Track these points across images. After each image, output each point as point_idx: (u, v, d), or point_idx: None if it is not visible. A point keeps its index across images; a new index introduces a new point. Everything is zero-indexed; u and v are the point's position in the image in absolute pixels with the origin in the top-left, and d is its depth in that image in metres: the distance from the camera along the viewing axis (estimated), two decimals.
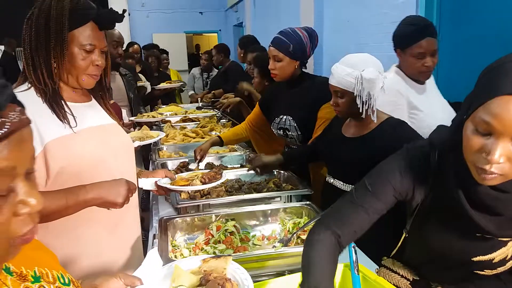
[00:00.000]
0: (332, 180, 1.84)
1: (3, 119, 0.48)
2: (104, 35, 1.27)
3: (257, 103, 2.76)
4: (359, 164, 1.24)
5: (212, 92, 4.90)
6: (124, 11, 1.32)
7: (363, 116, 1.66)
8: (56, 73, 1.21)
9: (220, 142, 2.56)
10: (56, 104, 1.19)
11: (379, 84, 1.64)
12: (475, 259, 1.02)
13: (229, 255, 1.04)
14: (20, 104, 0.53)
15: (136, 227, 1.49)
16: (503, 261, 1.01)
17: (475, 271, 1.05)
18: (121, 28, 3.66)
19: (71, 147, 1.20)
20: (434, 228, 1.07)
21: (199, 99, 5.14)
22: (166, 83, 4.82)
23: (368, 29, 3.69)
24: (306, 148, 2.22)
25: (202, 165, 2.47)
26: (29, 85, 1.21)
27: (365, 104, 1.64)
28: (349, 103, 1.70)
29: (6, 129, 0.49)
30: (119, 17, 1.27)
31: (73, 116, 1.21)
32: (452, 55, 2.97)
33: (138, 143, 2.10)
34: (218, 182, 1.59)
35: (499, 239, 0.99)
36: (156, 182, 1.52)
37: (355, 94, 1.64)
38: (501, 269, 1.02)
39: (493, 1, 2.53)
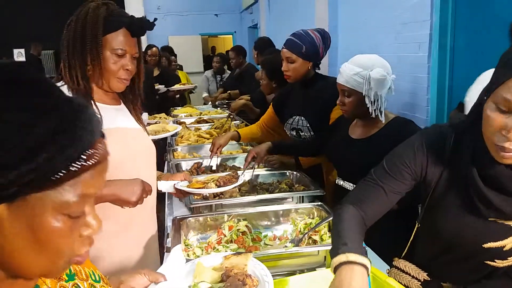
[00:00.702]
0: (342, 183, 1.85)
1: (93, 150, 0.55)
2: (136, 42, 1.33)
3: (271, 103, 2.78)
4: (368, 166, 1.25)
5: (228, 92, 4.93)
6: (155, 19, 1.40)
7: (373, 116, 1.67)
8: (90, 74, 1.28)
9: (237, 137, 2.61)
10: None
11: (387, 85, 1.65)
12: (486, 245, 1.02)
13: (250, 252, 1.06)
14: (104, 136, 0.60)
15: (152, 227, 1.52)
16: None
17: (486, 262, 1.05)
18: None
19: None
20: (447, 213, 1.08)
21: (213, 100, 5.19)
22: (180, 84, 4.87)
23: (381, 31, 3.68)
24: (299, 141, 2.26)
25: (214, 162, 2.50)
26: (63, 83, 1.28)
27: (373, 104, 1.65)
28: (355, 103, 1.71)
29: (95, 160, 0.55)
30: (150, 25, 1.35)
31: (100, 115, 1.24)
32: (468, 55, 2.94)
33: (151, 137, 2.13)
34: (235, 186, 1.61)
35: (511, 225, 0.99)
36: (175, 185, 1.56)
37: (363, 94, 1.65)
38: (511, 260, 1.02)
39: (508, 5, 2.50)
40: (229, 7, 11.48)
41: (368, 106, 1.66)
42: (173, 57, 6.14)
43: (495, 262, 1.04)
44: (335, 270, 0.93)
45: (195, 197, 1.90)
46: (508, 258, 1.02)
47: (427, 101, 3.08)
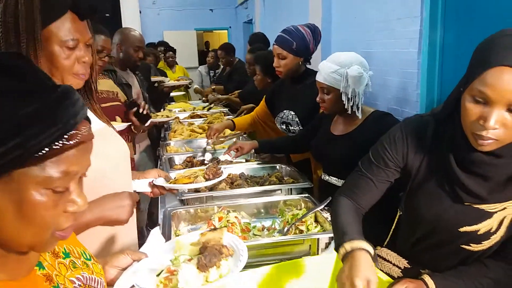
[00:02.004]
0: (327, 178, 1.90)
1: (76, 131, 0.60)
2: (86, 26, 1.10)
3: (264, 97, 2.83)
4: (351, 160, 1.30)
5: (212, 87, 4.98)
6: None
7: (349, 112, 1.72)
8: None
9: (232, 126, 2.72)
10: None
11: (364, 82, 1.70)
12: (462, 229, 1.07)
13: (224, 227, 1.12)
14: (89, 120, 0.65)
15: (132, 235, 1.39)
16: (487, 234, 1.05)
17: (462, 246, 1.10)
18: (132, 26, 3.71)
19: None
20: (427, 198, 1.13)
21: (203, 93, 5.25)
22: (175, 80, 4.89)
23: (374, 26, 3.71)
24: (283, 139, 2.33)
25: (207, 159, 2.54)
26: None
27: (350, 101, 1.70)
28: (334, 100, 1.76)
29: (77, 140, 0.60)
30: (100, 2, 1.14)
31: None
32: (457, 51, 2.98)
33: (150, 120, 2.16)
34: (221, 179, 1.65)
35: (486, 209, 1.04)
36: (150, 183, 1.45)
37: (341, 91, 1.70)
38: (486, 244, 1.07)
39: (496, 1, 2.54)
40: (224, 2, 11.47)
41: (344, 102, 1.71)
42: (170, 52, 6.13)
43: (470, 246, 1.09)
44: (343, 261, 1.00)
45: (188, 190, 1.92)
46: (483, 242, 1.07)
47: (417, 96, 3.12)
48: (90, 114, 1.21)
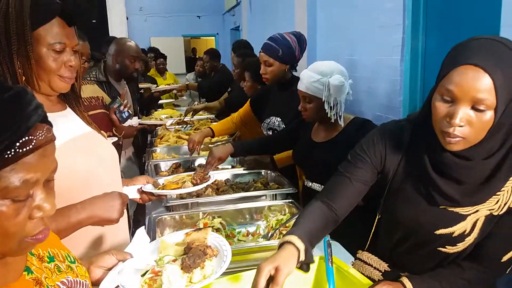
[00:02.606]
0: (310, 184, 1.93)
1: (31, 137, 0.57)
2: (74, 32, 1.15)
3: (248, 100, 2.86)
4: (333, 167, 1.33)
5: (186, 84, 4.97)
6: (91, 1, 1.30)
7: (332, 120, 1.76)
8: (22, 79, 1.07)
9: (211, 133, 2.70)
10: None
11: (345, 90, 1.74)
12: (438, 232, 1.10)
13: (209, 227, 1.13)
14: (48, 123, 0.62)
15: (125, 235, 1.42)
16: (462, 236, 1.08)
17: (438, 248, 1.13)
18: (119, 33, 3.70)
19: (60, 163, 1.12)
20: (404, 201, 1.16)
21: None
22: (165, 85, 4.88)
23: (358, 33, 3.78)
24: (258, 140, 2.35)
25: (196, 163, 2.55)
26: None
27: (333, 109, 1.74)
28: (316, 108, 1.79)
29: (31, 146, 0.57)
30: (88, 9, 1.21)
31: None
32: (438, 59, 3.06)
33: (136, 120, 2.09)
34: (208, 183, 1.66)
35: (460, 212, 1.08)
36: (139, 189, 1.47)
37: (323, 100, 1.73)
38: (460, 246, 1.10)
39: (478, 5, 2.62)
40: (211, 9, 11.53)
41: (327, 111, 1.75)
42: (161, 59, 6.09)
43: (446, 248, 1.12)
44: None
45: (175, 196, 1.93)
46: (457, 244, 1.10)
47: (399, 103, 3.19)
48: (76, 119, 1.25)
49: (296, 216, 1.62)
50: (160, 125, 3.28)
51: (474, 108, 0.92)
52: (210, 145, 2.79)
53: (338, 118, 1.77)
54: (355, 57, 3.83)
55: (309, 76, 1.77)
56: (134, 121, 2.95)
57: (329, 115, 1.76)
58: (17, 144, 0.55)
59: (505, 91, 0.90)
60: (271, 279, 0.98)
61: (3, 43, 1.02)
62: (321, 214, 1.19)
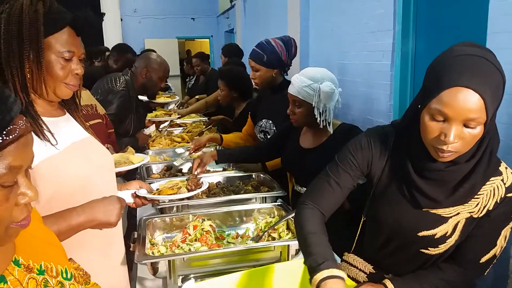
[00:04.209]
0: (299, 189, 1.96)
1: (14, 126, 0.61)
2: (81, 41, 1.19)
3: (241, 110, 2.90)
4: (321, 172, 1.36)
5: (196, 97, 4.98)
6: (102, 14, 1.29)
7: (321, 126, 1.79)
8: (30, 85, 1.09)
9: (219, 140, 2.69)
10: (32, 120, 1.07)
11: (335, 98, 1.77)
12: (420, 234, 1.14)
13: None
14: (24, 114, 0.66)
15: (122, 243, 1.44)
16: (443, 238, 1.12)
17: (421, 250, 1.16)
18: (113, 34, 3.68)
19: (61, 168, 1.11)
20: (388, 204, 1.20)
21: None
22: (164, 98, 4.85)
23: (349, 38, 3.82)
24: (245, 148, 2.41)
25: (185, 168, 2.57)
26: None
27: (322, 115, 1.77)
28: (305, 113, 1.82)
29: (16, 134, 0.61)
30: (97, 21, 1.20)
31: (51, 133, 1.11)
32: (428, 63, 3.10)
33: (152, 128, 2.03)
34: (202, 189, 1.68)
35: (441, 215, 1.11)
36: (133, 194, 1.48)
37: (313, 105, 1.77)
38: (442, 247, 1.13)
39: (467, 12, 2.67)
40: (205, 11, 11.55)
41: (316, 117, 1.78)
42: None
43: (428, 250, 1.15)
44: (317, 285, 0.99)
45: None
46: (439, 246, 1.14)
47: (389, 107, 3.23)
48: (75, 124, 1.28)
49: (284, 219, 1.66)
50: (166, 121, 3.33)
51: (465, 125, 0.96)
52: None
53: (327, 125, 1.81)
54: (346, 61, 3.87)
55: (301, 80, 1.80)
56: (151, 129, 2.98)
57: (318, 121, 1.78)
58: (3, 133, 0.59)
59: (493, 105, 0.94)
60: None
61: (14, 48, 1.04)
62: (324, 224, 1.21)
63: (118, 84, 2.67)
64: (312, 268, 1.03)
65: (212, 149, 2.89)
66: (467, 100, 0.92)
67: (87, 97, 2.22)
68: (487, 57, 0.96)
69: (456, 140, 0.97)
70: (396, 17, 3.17)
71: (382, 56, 3.30)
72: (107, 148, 2.21)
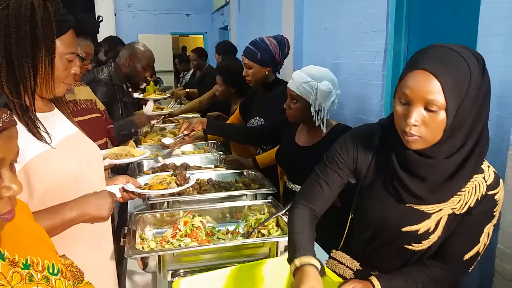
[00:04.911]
0: (291, 185, 1.98)
1: None
2: (77, 39, 1.22)
3: (238, 105, 2.90)
4: None
5: (186, 90, 4.96)
6: (100, 18, 1.33)
7: (316, 124, 1.81)
8: (42, 84, 1.11)
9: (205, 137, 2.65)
10: (31, 121, 1.08)
11: (331, 98, 1.80)
12: (404, 229, 1.16)
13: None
14: (9, 108, 0.65)
15: (111, 238, 1.46)
16: (426, 234, 1.15)
17: (405, 246, 1.19)
18: (107, 29, 3.67)
19: (54, 163, 1.13)
20: (374, 199, 1.23)
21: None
22: (156, 94, 4.82)
23: (343, 38, 3.84)
24: (236, 126, 2.50)
25: (178, 162, 2.56)
26: None
27: (318, 114, 1.79)
28: (301, 109, 1.85)
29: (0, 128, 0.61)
30: (97, 24, 1.25)
31: (48, 133, 1.12)
32: None
33: (108, 161, 1.85)
34: (189, 185, 1.69)
35: (424, 211, 1.14)
36: (120, 188, 1.46)
37: (309, 103, 1.79)
38: (425, 243, 1.16)
39: (459, 12, 2.70)
40: (200, 7, 11.52)
41: (313, 114, 1.80)
42: None
43: (412, 246, 1.18)
44: (294, 275, 1.08)
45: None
46: (422, 242, 1.16)
47: (381, 107, 3.26)
48: (65, 119, 1.28)
49: (274, 216, 1.67)
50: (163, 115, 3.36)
51: (427, 109, 1.00)
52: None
53: (321, 124, 1.83)
54: (339, 61, 3.90)
55: (300, 76, 1.84)
56: (149, 107, 2.95)
57: (314, 119, 1.81)
58: None
59: (454, 93, 0.97)
60: None
61: (27, 48, 1.05)
62: (312, 223, 1.25)
63: (101, 74, 2.69)
64: (290, 259, 1.12)
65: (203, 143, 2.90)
66: (424, 81, 0.97)
67: (87, 93, 2.23)
68: (461, 52, 1.00)
69: (417, 122, 1.01)
70: (388, 17, 3.19)
71: (375, 56, 3.32)
72: (106, 142, 2.23)
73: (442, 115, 0.99)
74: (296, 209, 1.27)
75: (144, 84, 3.06)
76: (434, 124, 1.01)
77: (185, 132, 2.22)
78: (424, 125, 1.01)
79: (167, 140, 2.42)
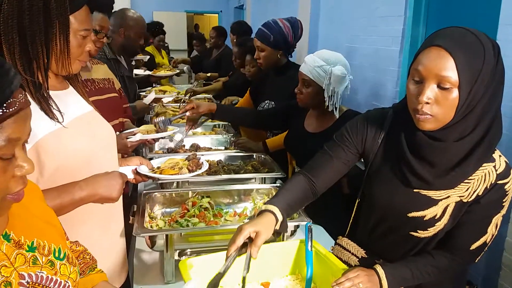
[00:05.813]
0: None
1: (14, 99, 0.62)
2: (92, 17, 1.21)
3: (248, 89, 2.88)
4: None
5: (208, 75, 4.96)
6: None
7: (329, 110, 1.79)
8: (55, 60, 1.09)
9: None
10: (44, 99, 1.07)
11: (345, 83, 1.77)
12: (410, 214, 1.16)
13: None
14: (24, 88, 0.67)
15: (122, 217, 1.46)
16: (432, 221, 1.14)
17: (411, 233, 1.18)
18: (122, 5, 3.59)
19: (65, 142, 1.12)
20: (381, 183, 1.23)
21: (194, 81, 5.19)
22: (165, 70, 4.81)
23: (359, 22, 3.77)
24: (246, 110, 2.48)
25: (187, 145, 2.58)
26: None
27: (331, 99, 1.77)
28: (313, 94, 1.82)
29: (15, 107, 0.62)
30: (113, 0, 1.23)
31: (60, 112, 1.11)
32: None
33: (140, 136, 1.83)
34: (202, 170, 1.69)
35: (432, 197, 1.13)
36: (133, 170, 1.47)
37: (322, 87, 1.77)
38: (431, 230, 1.15)
39: (479, 1, 2.63)
40: None
41: (325, 99, 1.78)
42: (161, 35, 5.81)
43: (417, 232, 1.17)
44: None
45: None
46: (428, 229, 1.15)
47: (395, 93, 3.21)
48: (79, 97, 1.27)
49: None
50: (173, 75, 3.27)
51: (439, 86, 0.99)
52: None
53: (334, 109, 1.80)
54: (355, 45, 3.83)
55: (314, 60, 1.80)
56: (150, 98, 2.95)
57: (327, 104, 1.78)
58: (4, 105, 0.61)
59: (468, 72, 0.96)
60: (249, 240, 1.09)
61: (41, 24, 1.03)
62: (302, 188, 1.29)
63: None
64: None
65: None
66: (438, 58, 0.97)
67: (104, 71, 2.18)
68: (477, 35, 0.99)
69: (430, 100, 1.00)
70: (407, 3, 3.12)
71: (391, 41, 3.26)
72: (124, 123, 2.22)
73: (455, 93, 0.98)
74: (295, 175, 1.33)
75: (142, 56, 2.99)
76: (446, 102, 1.00)
77: (188, 114, 2.13)
78: (437, 103, 1.01)
79: (178, 137, 2.39)
